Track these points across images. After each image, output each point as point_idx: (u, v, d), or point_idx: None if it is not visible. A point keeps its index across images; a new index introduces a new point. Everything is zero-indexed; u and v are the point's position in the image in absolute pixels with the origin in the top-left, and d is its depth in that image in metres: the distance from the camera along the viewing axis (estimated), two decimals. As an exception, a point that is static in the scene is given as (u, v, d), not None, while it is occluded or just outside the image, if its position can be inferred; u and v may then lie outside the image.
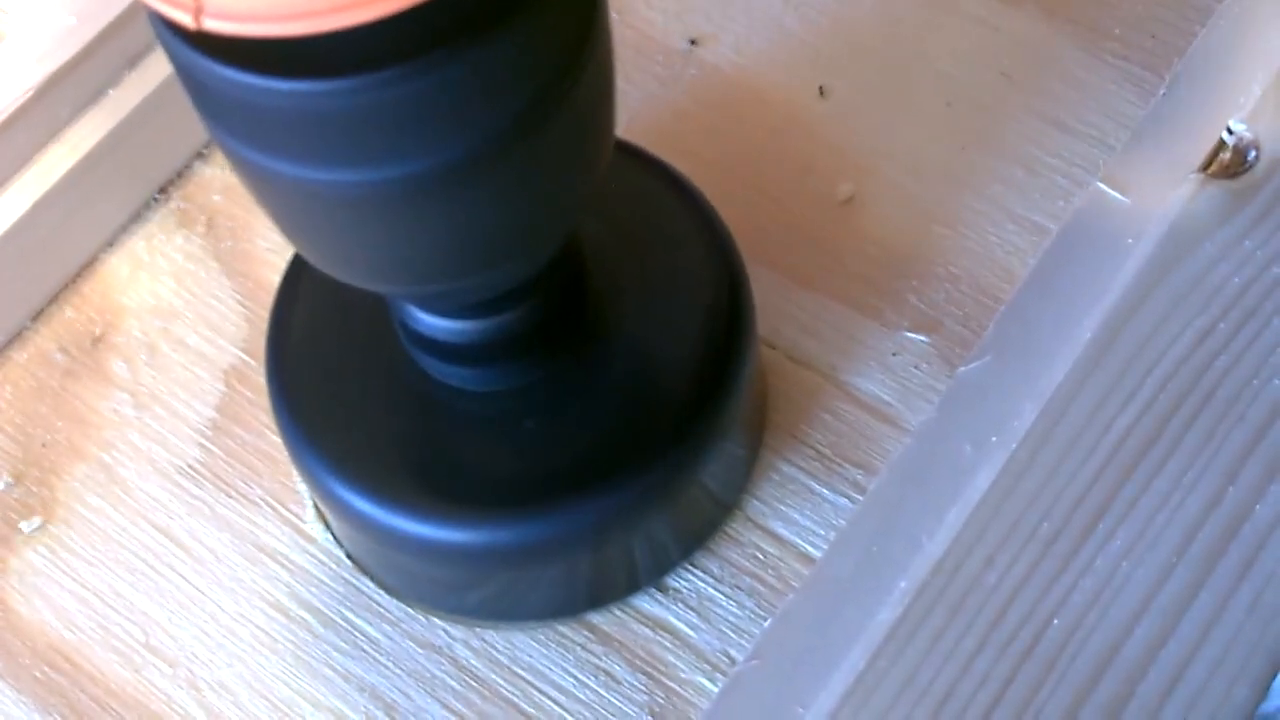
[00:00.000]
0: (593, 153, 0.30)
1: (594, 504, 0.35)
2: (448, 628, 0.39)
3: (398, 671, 0.38)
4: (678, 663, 0.38)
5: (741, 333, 0.37)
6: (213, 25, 0.23)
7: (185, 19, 0.23)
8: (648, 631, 0.38)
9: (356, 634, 0.39)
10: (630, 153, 0.39)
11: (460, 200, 0.27)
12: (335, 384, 0.37)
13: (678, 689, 0.38)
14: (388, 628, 0.39)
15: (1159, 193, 0.37)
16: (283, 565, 0.40)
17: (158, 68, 0.45)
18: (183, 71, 0.26)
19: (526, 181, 0.28)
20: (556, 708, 0.38)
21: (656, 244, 0.38)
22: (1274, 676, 0.32)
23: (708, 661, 0.38)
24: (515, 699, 0.38)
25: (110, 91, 0.45)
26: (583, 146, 0.29)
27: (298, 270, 0.39)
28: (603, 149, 0.30)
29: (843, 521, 0.38)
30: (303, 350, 0.37)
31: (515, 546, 0.35)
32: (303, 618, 0.39)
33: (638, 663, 0.38)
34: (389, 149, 0.25)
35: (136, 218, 0.46)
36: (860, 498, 0.35)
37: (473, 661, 0.38)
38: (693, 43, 0.48)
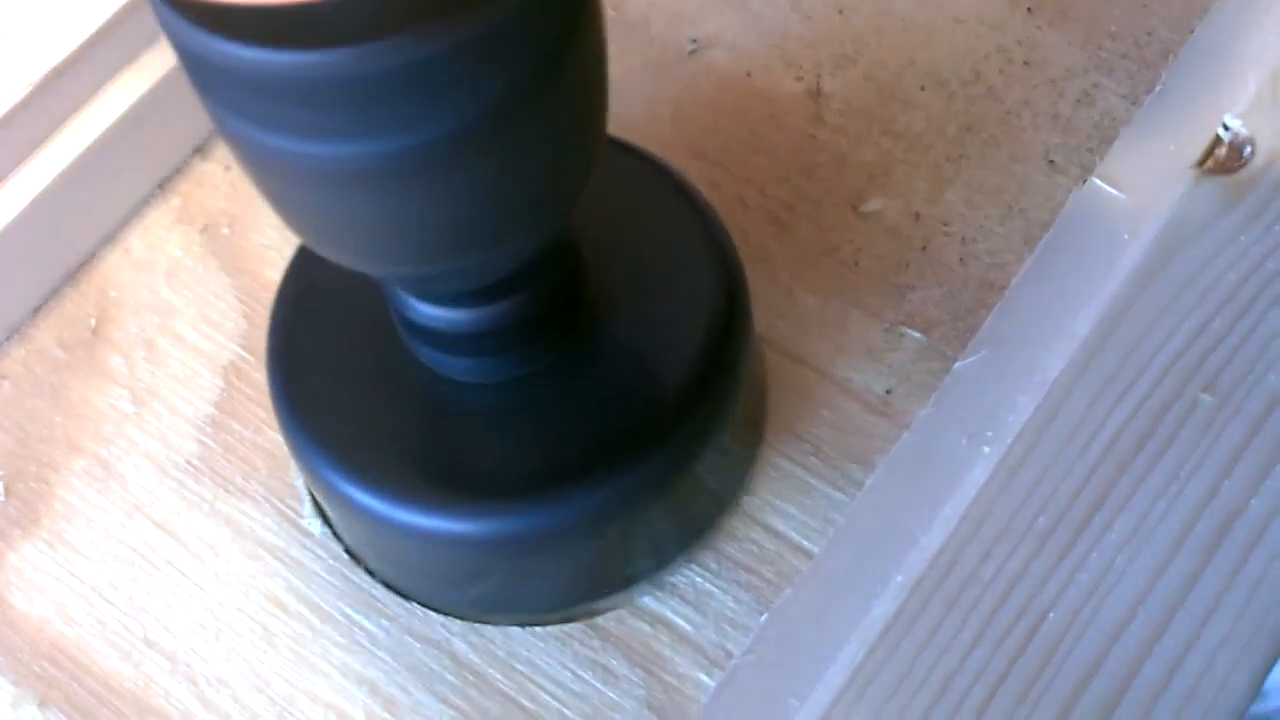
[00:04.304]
0: (589, 123, 0.30)
1: (590, 495, 0.35)
2: (446, 622, 0.39)
3: (396, 666, 0.39)
4: (675, 657, 0.38)
5: (739, 329, 0.37)
6: None
7: None
8: (645, 626, 0.39)
9: (355, 629, 0.39)
10: (628, 151, 0.40)
11: (460, 172, 0.27)
12: (335, 377, 0.37)
13: (675, 683, 0.38)
14: (386, 623, 0.39)
15: (1155, 188, 0.38)
16: (281, 560, 0.40)
17: (156, 64, 0.45)
18: (180, 47, 0.26)
19: (527, 151, 0.28)
20: (554, 702, 0.38)
21: (654, 241, 0.38)
22: (1269, 670, 0.32)
23: (705, 656, 0.38)
24: (513, 694, 0.38)
25: (108, 88, 0.45)
26: (580, 116, 0.29)
27: (299, 266, 0.39)
28: (599, 119, 0.30)
29: (839, 516, 0.38)
30: (303, 344, 0.38)
31: (512, 537, 0.35)
32: (301, 613, 0.40)
33: (635, 657, 0.38)
34: (389, 120, 0.25)
35: (135, 214, 0.47)
36: (857, 492, 0.35)
37: (471, 656, 0.38)
38: (694, 43, 0.48)
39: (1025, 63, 0.47)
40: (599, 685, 0.38)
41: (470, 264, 0.31)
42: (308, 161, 0.26)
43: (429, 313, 0.34)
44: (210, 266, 0.45)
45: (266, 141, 0.26)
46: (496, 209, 0.29)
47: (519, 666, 0.38)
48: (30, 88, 0.43)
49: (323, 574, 0.40)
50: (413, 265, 0.31)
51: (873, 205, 0.45)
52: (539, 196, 0.30)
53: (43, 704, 0.39)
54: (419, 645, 0.39)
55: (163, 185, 0.47)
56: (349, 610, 0.40)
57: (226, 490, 0.42)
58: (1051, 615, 0.32)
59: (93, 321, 0.45)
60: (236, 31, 0.24)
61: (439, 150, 0.26)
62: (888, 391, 0.41)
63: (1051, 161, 0.45)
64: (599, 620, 0.39)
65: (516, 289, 0.34)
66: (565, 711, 0.38)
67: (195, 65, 0.26)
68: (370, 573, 0.40)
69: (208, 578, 0.40)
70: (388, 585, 0.40)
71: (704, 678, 0.38)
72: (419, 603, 0.39)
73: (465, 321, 0.34)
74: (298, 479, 0.41)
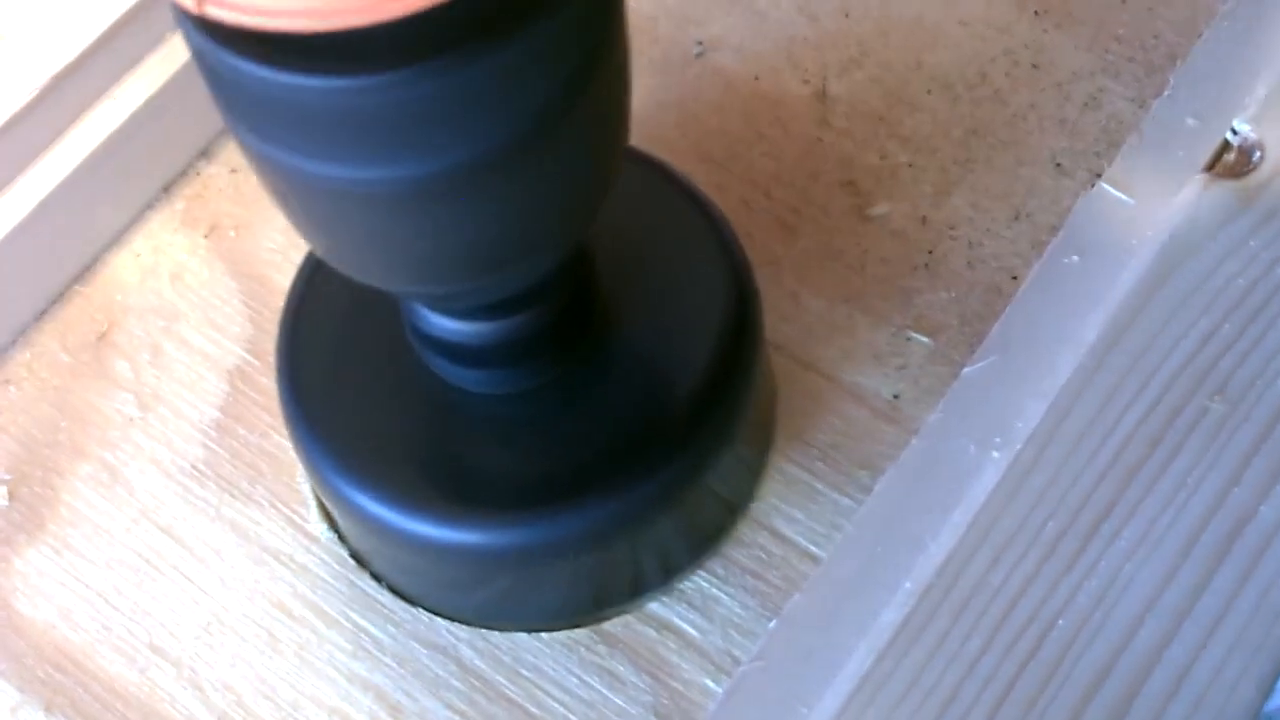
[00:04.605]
0: (612, 145, 0.30)
1: (601, 506, 0.35)
2: (452, 628, 0.39)
3: (402, 672, 0.38)
4: (682, 663, 0.38)
5: (749, 336, 0.37)
6: (215, 13, 0.22)
7: (188, 2, 0.23)
8: (652, 632, 0.38)
9: (361, 634, 0.39)
10: (637, 158, 0.39)
11: (486, 196, 0.27)
12: (345, 385, 0.37)
13: (682, 690, 0.38)
14: (392, 628, 0.39)
15: (1163, 193, 0.37)
16: (286, 565, 0.40)
17: (161, 68, 0.45)
18: (206, 67, 0.26)
19: (554, 173, 0.28)
20: (561, 708, 0.38)
21: (664, 248, 0.38)
22: (1278, 676, 0.32)
23: (712, 662, 0.38)
24: (520, 700, 0.38)
25: (113, 92, 0.45)
26: (603, 135, 0.29)
27: (308, 272, 0.39)
28: (622, 135, 0.30)
29: (847, 522, 0.38)
30: (313, 351, 0.37)
31: (523, 547, 0.35)
32: (306, 618, 0.39)
33: (642, 663, 0.38)
34: (418, 146, 0.25)
35: (140, 218, 0.46)
36: (864, 498, 0.35)
37: (477, 662, 0.38)
38: (700, 45, 0.48)
39: (1032, 66, 0.47)
40: (606, 691, 0.38)
41: (489, 282, 0.31)
42: (333, 184, 0.26)
43: (442, 325, 0.34)
44: (216, 270, 0.45)
45: (291, 164, 0.26)
46: (520, 230, 0.29)
47: (525, 672, 0.38)
48: (35, 92, 0.43)
49: (328, 579, 0.40)
50: (433, 285, 0.31)
51: (879, 209, 0.44)
52: (563, 216, 0.30)
53: (48, 709, 0.39)
54: (425, 651, 0.39)
55: (168, 189, 0.47)
56: (355, 616, 0.39)
57: (232, 495, 0.41)
58: (1060, 622, 0.32)
59: (98, 326, 0.45)
60: (268, 56, 0.24)
61: (465, 175, 0.26)
62: (895, 396, 0.41)
63: (1058, 165, 0.45)
64: (606, 626, 0.39)
65: (532, 302, 0.34)
66: (571, 717, 0.37)
67: (221, 86, 0.26)
68: (376, 578, 0.40)
69: (213, 583, 0.40)
70: (394, 591, 0.39)
71: (710, 684, 0.38)
72: (425, 608, 0.39)
73: (478, 334, 0.34)
74: (303, 484, 0.41)
